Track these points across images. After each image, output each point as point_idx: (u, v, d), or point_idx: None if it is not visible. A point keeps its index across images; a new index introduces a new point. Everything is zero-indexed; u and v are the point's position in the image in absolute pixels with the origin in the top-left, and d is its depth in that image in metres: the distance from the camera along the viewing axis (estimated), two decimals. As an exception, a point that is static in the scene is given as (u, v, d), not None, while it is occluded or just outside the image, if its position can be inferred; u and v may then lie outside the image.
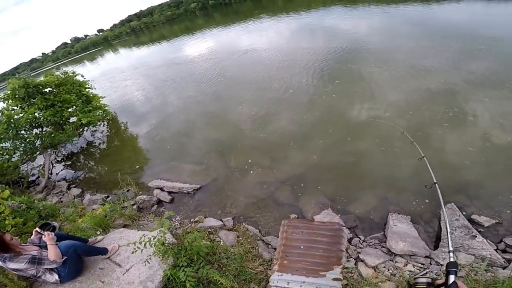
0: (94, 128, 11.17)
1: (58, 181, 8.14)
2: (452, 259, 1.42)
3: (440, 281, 1.18)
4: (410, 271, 3.16)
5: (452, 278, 1.16)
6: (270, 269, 3.43)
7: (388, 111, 6.94)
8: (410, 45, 10.89)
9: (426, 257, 3.34)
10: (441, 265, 3.14)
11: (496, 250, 3.36)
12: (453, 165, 4.98)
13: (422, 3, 16.93)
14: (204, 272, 3.11)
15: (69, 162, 9.24)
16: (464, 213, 4.00)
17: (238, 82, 11.85)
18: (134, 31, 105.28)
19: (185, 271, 2.99)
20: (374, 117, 6.81)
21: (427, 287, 1.21)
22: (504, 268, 3.05)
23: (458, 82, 7.40)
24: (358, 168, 5.54)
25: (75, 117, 10.15)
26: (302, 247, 3.50)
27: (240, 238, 4.24)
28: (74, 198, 6.68)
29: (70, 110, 9.98)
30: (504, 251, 3.41)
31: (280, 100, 9.04)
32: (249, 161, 6.49)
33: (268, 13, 31.13)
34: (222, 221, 4.83)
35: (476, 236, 3.41)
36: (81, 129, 10.56)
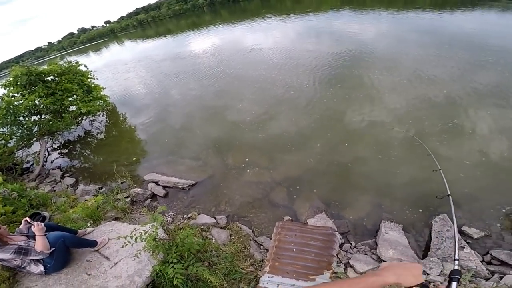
0: (93, 118, 11.15)
1: (53, 169, 8.12)
2: (456, 267, 1.43)
3: (442, 286, 1.14)
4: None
5: (454, 285, 1.14)
6: (260, 270, 3.43)
7: (388, 119, 6.93)
8: (416, 53, 10.79)
9: (414, 266, 3.34)
10: (428, 274, 3.16)
11: (482, 261, 3.41)
12: (448, 177, 5.00)
13: (433, 11, 16.91)
14: (193, 269, 3.10)
15: (65, 151, 9.23)
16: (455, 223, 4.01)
17: (240, 80, 11.82)
18: (141, 24, 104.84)
19: (174, 268, 2.99)
20: (376, 123, 6.85)
21: None
22: (487, 279, 3.10)
23: (461, 93, 7.37)
24: (354, 174, 5.55)
25: (74, 106, 10.11)
26: (294, 250, 3.52)
27: (233, 237, 4.24)
28: (68, 187, 6.61)
29: (70, 99, 9.94)
30: (489, 263, 3.46)
31: (281, 101, 9.03)
32: (247, 160, 6.49)
33: (276, 13, 31.01)
34: (215, 219, 4.82)
35: (464, 247, 3.45)
36: (80, 118, 10.53)
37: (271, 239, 3.95)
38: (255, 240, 4.28)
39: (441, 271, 3.16)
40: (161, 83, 14.57)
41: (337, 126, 7.10)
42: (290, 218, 4.69)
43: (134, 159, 7.62)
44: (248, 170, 6.19)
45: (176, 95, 12.23)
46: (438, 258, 3.39)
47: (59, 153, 9.17)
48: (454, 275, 1.20)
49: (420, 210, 4.48)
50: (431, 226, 4.00)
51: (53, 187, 6.84)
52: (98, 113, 11.21)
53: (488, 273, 3.18)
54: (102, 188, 6.51)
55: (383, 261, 3.46)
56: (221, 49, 18.72)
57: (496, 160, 5.16)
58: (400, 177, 5.23)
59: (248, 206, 5.22)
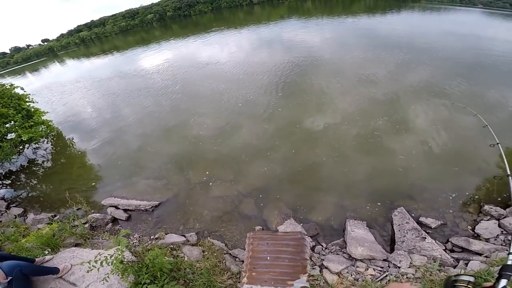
0: (37, 146, 10.21)
1: (-5, 201, 7.26)
2: (510, 262, 1.29)
3: (489, 283, 1.10)
4: (372, 274, 3.34)
5: (503, 282, 1.06)
6: (239, 282, 3.39)
7: (338, 119, 7.56)
8: (357, 55, 12.34)
9: (384, 260, 3.55)
10: (398, 267, 3.35)
11: (444, 250, 3.67)
12: (395, 170, 5.52)
13: (368, 14, 18.76)
14: (169, 288, 2.99)
15: (8, 181, 8.32)
16: (412, 215, 4.36)
17: (196, 95, 11.78)
18: (83, 41, 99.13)
19: (148, 288, 2.87)
20: (328, 125, 7.39)
21: (468, 285, 1.11)
22: (454, 267, 3.31)
23: (399, 91, 8.40)
24: (314, 177, 5.81)
25: (13, 133, 9.19)
26: (268, 258, 3.54)
27: (206, 253, 4.15)
28: (15, 217, 6.06)
29: (7, 125, 9.02)
30: (451, 251, 3.73)
31: (239, 113, 9.21)
32: (209, 174, 6.47)
33: (229, 26, 31.63)
34: (185, 237, 4.69)
35: (425, 238, 3.72)
36: (21, 146, 9.59)
37: (245, 250, 3.94)
38: (230, 253, 4.23)
39: (410, 263, 3.36)
40: (111, 103, 13.88)
41: (294, 133, 7.43)
42: (261, 228, 4.74)
43: (93, 184, 7.12)
44: (212, 184, 6.15)
45: (128, 114, 11.72)
46: (405, 251, 3.61)
47: (0, 184, 8.24)
48: (505, 271, 1.11)
49: (379, 203, 4.81)
50: (392, 220, 4.29)
51: (-2, 219, 6.17)
52: (41, 140, 10.31)
53: (453, 261, 3.40)
54: (55, 216, 6.02)
55: (355, 259, 3.63)
56: (175, 64, 18.53)
57: (433, 150, 5.82)
58: (356, 174, 5.62)
59: (218, 221, 5.16)
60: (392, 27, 15.38)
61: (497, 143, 3.10)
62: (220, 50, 20.03)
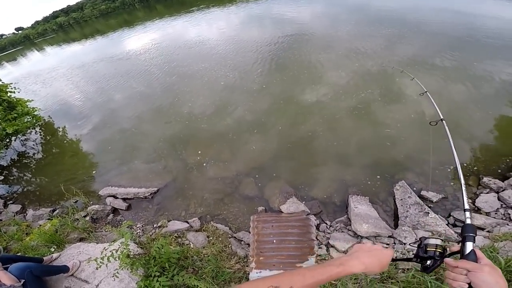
0: (25, 137, 9.92)
1: (-9, 199, 7.12)
2: (468, 220, 1.14)
3: (455, 247, 1.03)
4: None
5: (469, 245, 0.97)
6: (247, 266, 3.40)
7: (333, 92, 7.58)
8: (349, 29, 12.18)
9: (390, 237, 3.58)
10: (404, 243, 3.38)
11: (447, 224, 3.70)
12: (393, 143, 5.54)
13: None
14: (179, 279, 3.02)
15: (1, 178, 8.11)
16: (414, 189, 4.38)
17: (188, 75, 11.49)
18: (61, 27, 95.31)
19: (159, 281, 2.86)
20: (324, 98, 7.42)
21: (437, 249, 1.05)
22: (458, 242, 3.31)
23: (389, 63, 8.32)
24: (313, 152, 5.80)
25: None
26: (274, 241, 3.54)
27: (211, 238, 4.15)
28: (15, 215, 5.97)
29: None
30: (454, 225, 3.76)
31: (232, 90, 9.12)
32: (207, 156, 6.37)
33: (216, 2, 30.44)
34: (188, 223, 4.66)
35: (429, 213, 3.73)
36: (7, 140, 9.31)
37: (249, 233, 3.93)
38: (235, 237, 4.24)
39: (415, 239, 3.39)
40: (99, 88, 13.45)
41: (290, 108, 7.37)
42: (264, 208, 4.73)
43: (89, 175, 6.95)
44: (210, 166, 6.08)
45: (118, 98, 11.41)
46: (409, 226, 3.64)
47: (-6, 181, 8.05)
48: (468, 233, 1.01)
49: (378, 176, 4.83)
50: (394, 195, 4.31)
51: (-3, 217, 6.07)
52: (29, 131, 10.00)
53: (457, 236, 3.40)
54: (55, 210, 5.92)
55: (360, 236, 3.65)
56: (163, 45, 17.95)
57: (424, 122, 5.75)
58: (353, 147, 5.64)
59: (219, 204, 5.14)
60: (384, 3, 15.07)
61: (425, 92, 3.09)
62: (208, 28, 19.47)
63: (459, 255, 1.01)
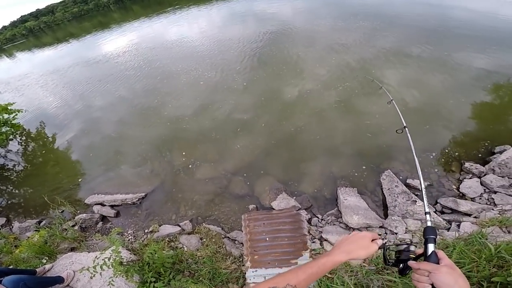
0: (4, 150, 9.49)
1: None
2: (429, 223, 1.19)
3: (420, 250, 1.05)
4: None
5: (431, 247, 1.00)
6: (243, 265, 3.40)
7: (317, 86, 7.70)
8: (328, 23, 12.46)
9: (381, 227, 3.66)
10: (395, 233, 3.46)
11: (435, 212, 3.81)
12: (374, 134, 5.66)
13: None
14: (176, 283, 3.00)
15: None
16: (400, 177, 4.49)
17: (170, 76, 11.28)
18: (32, 32, 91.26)
19: (156, 287, 2.86)
20: (308, 93, 7.50)
21: (403, 251, 1.08)
22: (448, 229, 3.41)
23: (367, 56, 8.60)
24: (300, 146, 5.87)
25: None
26: (267, 239, 3.54)
27: (204, 240, 4.14)
28: (0, 228, 5.82)
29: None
30: (442, 212, 3.87)
31: (215, 90, 9.03)
32: (193, 158, 6.31)
33: (196, 1, 29.97)
34: (179, 226, 4.64)
35: (416, 201, 3.84)
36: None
37: (242, 232, 3.93)
38: (228, 237, 4.24)
39: (406, 228, 3.47)
40: (77, 93, 12.89)
41: (274, 104, 7.42)
42: (255, 206, 4.75)
43: (80, 180, 6.78)
44: (197, 168, 6.03)
45: (98, 103, 11.04)
46: (398, 216, 3.73)
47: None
48: (428, 235, 1.05)
49: (364, 167, 4.92)
50: (381, 185, 4.40)
51: (-19, 231, 5.83)
52: (6, 142, 9.56)
53: (446, 223, 3.50)
54: (41, 221, 5.76)
55: (352, 228, 3.72)
56: (142, 46, 17.50)
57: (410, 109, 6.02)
58: (338, 139, 5.74)
59: (210, 204, 5.12)
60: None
61: (391, 100, 3.22)
62: (189, 28, 19.21)
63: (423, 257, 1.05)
